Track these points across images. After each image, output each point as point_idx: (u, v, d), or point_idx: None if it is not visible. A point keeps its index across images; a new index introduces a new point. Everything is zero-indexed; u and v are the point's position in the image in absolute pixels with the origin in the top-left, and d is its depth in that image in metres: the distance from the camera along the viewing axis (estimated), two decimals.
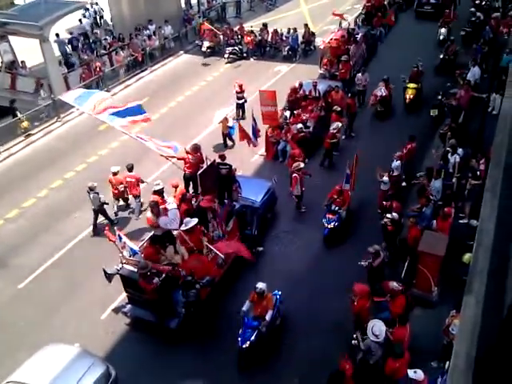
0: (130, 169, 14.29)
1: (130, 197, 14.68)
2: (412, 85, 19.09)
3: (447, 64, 21.66)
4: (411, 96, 19.00)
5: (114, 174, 14.31)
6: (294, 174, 13.83)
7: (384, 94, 18.38)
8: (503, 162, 6.53)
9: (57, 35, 24.66)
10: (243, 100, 19.09)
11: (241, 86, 18.92)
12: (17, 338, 10.91)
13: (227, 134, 17.56)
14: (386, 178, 13.45)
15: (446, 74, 20.60)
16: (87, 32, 27.87)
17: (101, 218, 14.16)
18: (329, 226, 12.94)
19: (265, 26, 26.30)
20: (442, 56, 21.94)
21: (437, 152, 14.79)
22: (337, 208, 13.06)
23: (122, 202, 14.84)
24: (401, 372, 8.55)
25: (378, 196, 13.71)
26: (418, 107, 19.05)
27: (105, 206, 13.94)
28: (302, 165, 14.03)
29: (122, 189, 14.39)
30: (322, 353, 10.28)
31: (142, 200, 14.51)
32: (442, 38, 24.33)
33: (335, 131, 15.99)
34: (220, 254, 10.98)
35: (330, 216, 12.99)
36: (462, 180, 13.67)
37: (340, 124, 16.38)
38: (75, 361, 9.36)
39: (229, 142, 17.77)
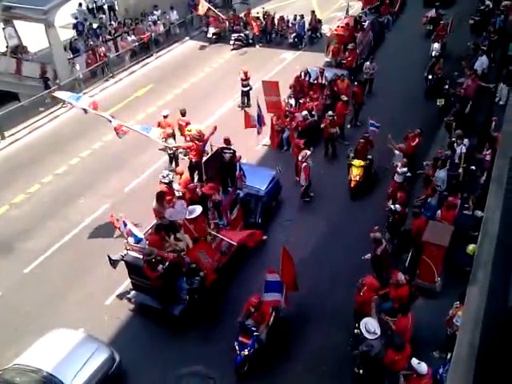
0: (184, 113, 15.91)
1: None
2: (358, 162, 14.25)
3: (436, 86, 18.67)
4: (357, 178, 14.20)
5: (165, 117, 15.92)
6: (304, 164, 13.76)
7: (434, 16, 24.38)
8: (510, 152, 6.48)
9: (79, 4, 24.90)
10: (248, 87, 18.99)
11: (246, 73, 18.82)
12: (22, 323, 11.00)
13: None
14: (404, 169, 13.08)
15: (435, 97, 17.76)
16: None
17: (104, 205, 14.25)
18: (242, 354, 9.51)
19: (266, 13, 26.17)
20: (430, 77, 19.03)
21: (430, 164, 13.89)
22: (253, 327, 9.58)
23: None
24: (400, 364, 8.57)
25: (390, 186, 13.59)
26: (366, 190, 14.47)
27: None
28: (308, 153, 13.98)
29: (170, 130, 15.26)
30: (324, 340, 10.37)
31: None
32: (434, 53, 20.63)
33: (330, 118, 15.63)
34: (231, 242, 10.87)
35: (244, 340, 9.55)
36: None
37: (305, 112, 16.23)
38: (80, 345, 9.47)
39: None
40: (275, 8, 28.03)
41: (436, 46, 21.41)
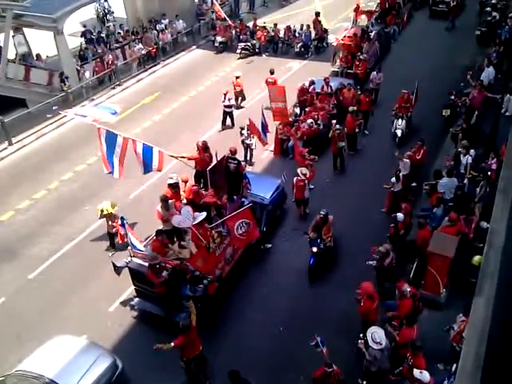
0: (272, 72, 19.11)
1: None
2: None
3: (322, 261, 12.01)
4: None
5: (237, 77, 19.22)
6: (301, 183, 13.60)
7: None
8: None
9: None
10: (231, 108, 18.46)
11: (225, 95, 18.07)
12: (26, 329, 11.00)
13: (115, 233, 12.93)
14: (406, 160, 13.58)
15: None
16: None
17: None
18: None
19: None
20: (315, 249, 11.71)
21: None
22: None
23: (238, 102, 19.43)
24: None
25: (386, 197, 13.61)
26: None
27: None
28: (308, 174, 13.74)
29: (238, 89, 19.04)
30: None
31: None
32: (399, 134, 16.75)
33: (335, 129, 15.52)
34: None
35: None
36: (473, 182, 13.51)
37: (311, 120, 16.15)
38: (82, 352, 9.45)
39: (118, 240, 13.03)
40: (282, 18, 28.17)
41: (400, 123, 16.92)
